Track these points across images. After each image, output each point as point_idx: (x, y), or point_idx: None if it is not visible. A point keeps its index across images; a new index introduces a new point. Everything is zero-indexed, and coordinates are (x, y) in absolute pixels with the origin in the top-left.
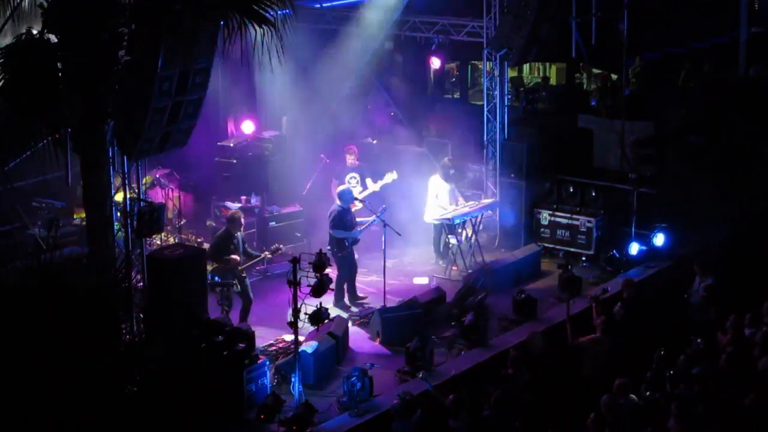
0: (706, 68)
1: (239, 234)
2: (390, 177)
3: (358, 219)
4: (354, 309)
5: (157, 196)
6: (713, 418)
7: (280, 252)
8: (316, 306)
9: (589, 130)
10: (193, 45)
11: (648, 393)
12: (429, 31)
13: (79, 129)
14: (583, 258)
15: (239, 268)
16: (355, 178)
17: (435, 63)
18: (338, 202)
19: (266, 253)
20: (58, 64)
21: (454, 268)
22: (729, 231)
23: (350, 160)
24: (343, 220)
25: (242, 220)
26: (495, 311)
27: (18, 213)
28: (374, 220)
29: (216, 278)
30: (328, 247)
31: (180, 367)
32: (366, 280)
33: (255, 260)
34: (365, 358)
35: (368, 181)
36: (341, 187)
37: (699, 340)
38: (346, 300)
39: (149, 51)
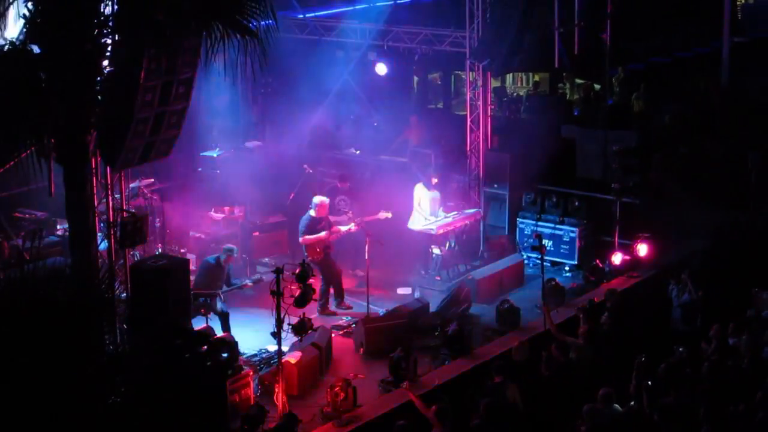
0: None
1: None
2: (383, 215)
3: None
4: (339, 315)
5: (141, 206)
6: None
7: (261, 282)
8: (300, 316)
9: (572, 139)
10: (176, 55)
11: (632, 402)
12: (412, 42)
13: (63, 139)
14: (567, 267)
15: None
16: (344, 200)
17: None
18: (312, 212)
19: (246, 282)
20: (41, 75)
21: (437, 278)
22: (712, 240)
23: (342, 183)
24: (314, 230)
25: (235, 255)
26: (478, 321)
27: (1, 223)
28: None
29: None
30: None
31: (163, 377)
32: (349, 290)
33: (234, 288)
34: (348, 368)
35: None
36: (319, 198)
37: (681, 349)
38: (332, 306)
39: (132, 61)
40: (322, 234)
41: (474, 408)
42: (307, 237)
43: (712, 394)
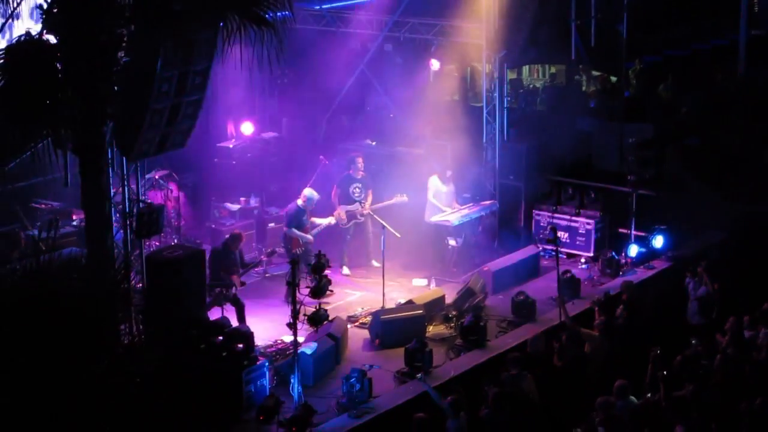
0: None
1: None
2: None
3: (314, 220)
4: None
5: (156, 197)
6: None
7: (275, 254)
8: (315, 307)
9: (589, 131)
10: (192, 46)
11: (648, 395)
12: (428, 33)
13: (79, 130)
14: (582, 260)
15: (238, 279)
16: (359, 187)
17: (435, 65)
18: (300, 201)
19: (262, 257)
20: (58, 66)
21: (453, 269)
22: (728, 233)
23: (355, 170)
24: (299, 221)
25: (243, 238)
26: (494, 312)
27: (17, 214)
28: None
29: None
30: (282, 245)
31: (179, 368)
32: (365, 282)
33: (251, 266)
34: (364, 359)
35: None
36: (309, 191)
37: (694, 341)
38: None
39: (148, 52)
40: (310, 237)
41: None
42: (295, 232)
43: (724, 387)
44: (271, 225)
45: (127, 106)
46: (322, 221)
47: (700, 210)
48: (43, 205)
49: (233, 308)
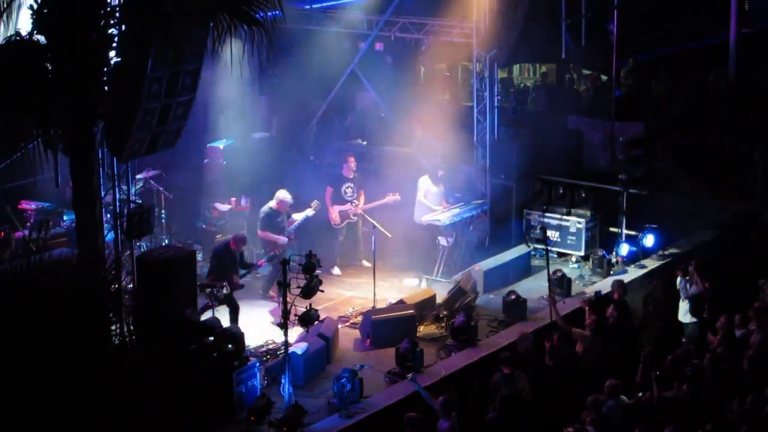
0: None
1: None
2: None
3: (294, 216)
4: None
5: (147, 197)
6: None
7: (275, 260)
8: (306, 307)
9: (579, 131)
10: (183, 46)
11: (640, 394)
12: (419, 33)
13: (69, 130)
14: (573, 259)
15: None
16: (351, 187)
17: None
18: (273, 203)
19: (263, 260)
20: (48, 66)
21: (444, 269)
22: (719, 232)
23: (348, 170)
24: (272, 222)
25: (247, 241)
26: (485, 312)
27: (7, 214)
28: (305, 218)
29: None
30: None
31: (170, 368)
32: (356, 282)
33: (252, 268)
34: (355, 359)
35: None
36: (283, 193)
37: (684, 340)
38: (271, 291)
39: (139, 52)
40: (283, 240)
41: (482, 399)
42: (269, 234)
43: (715, 386)
44: None
45: (118, 107)
46: (299, 215)
47: (691, 209)
48: (33, 206)
49: (226, 309)
